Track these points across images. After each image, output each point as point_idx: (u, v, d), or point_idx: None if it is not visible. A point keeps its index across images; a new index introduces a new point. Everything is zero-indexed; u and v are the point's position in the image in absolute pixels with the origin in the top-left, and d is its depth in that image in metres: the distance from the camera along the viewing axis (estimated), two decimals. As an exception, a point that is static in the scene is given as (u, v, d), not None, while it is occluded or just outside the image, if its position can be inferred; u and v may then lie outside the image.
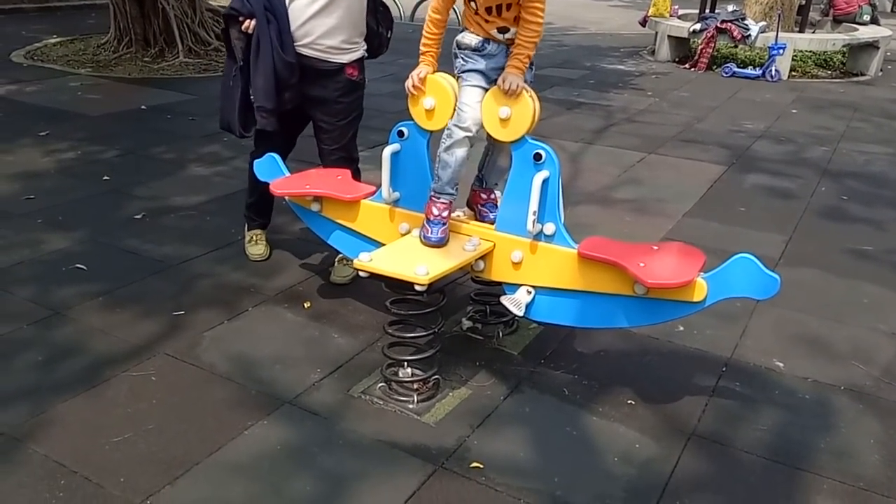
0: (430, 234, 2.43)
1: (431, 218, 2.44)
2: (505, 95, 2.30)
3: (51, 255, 3.36)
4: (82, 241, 3.53)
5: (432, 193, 2.46)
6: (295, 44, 2.94)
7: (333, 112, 3.15)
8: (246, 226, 3.52)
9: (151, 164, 4.71)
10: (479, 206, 2.62)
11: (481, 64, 2.37)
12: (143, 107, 5.93)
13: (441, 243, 2.43)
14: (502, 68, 2.33)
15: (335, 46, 3.02)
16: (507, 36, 2.34)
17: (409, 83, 2.46)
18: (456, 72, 2.45)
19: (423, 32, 2.46)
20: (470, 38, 2.37)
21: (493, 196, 2.61)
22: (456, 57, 2.43)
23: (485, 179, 2.62)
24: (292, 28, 2.92)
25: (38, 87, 6.68)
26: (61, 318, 2.83)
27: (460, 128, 2.38)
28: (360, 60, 3.16)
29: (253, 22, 2.86)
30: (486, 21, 2.32)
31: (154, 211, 3.93)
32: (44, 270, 3.22)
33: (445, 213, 2.45)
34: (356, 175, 3.16)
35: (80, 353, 2.61)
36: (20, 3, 11.73)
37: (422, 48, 2.47)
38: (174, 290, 3.11)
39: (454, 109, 2.42)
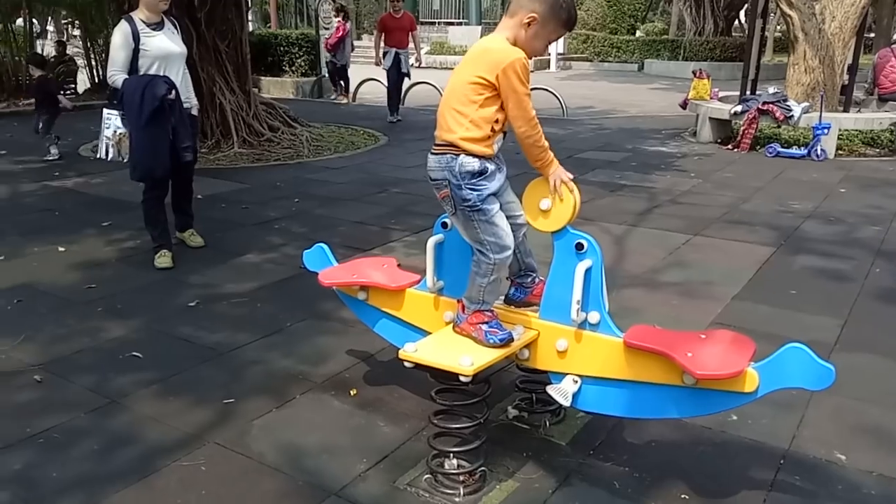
0: (501, 335, 2.38)
1: (489, 320, 2.43)
2: (548, 188, 2.36)
3: (109, 343, 3.48)
4: (139, 329, 3.66)
5: (482, 307, 2.44)
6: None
7: (195, 143, 4.66)
8: (154, 249, 4.57)
9: (206, 252, 4.89)
10: None
11: (494, 185, 2.36)
12: (199, 196, 6.17)
13: (511, 337, 2.41)
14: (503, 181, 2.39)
15: (188, 97, 4.53)
16: (498, 144, 2.37)
17: (564, 179, 2.36)
18: (462, 206, 2.33)
19: (541, 134, 2.34)
20: (473, 163, 2.30)
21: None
22: (460, 189, 2.31)
23: (530, 273, 2.63)
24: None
25: (102, 180, 7.08)
26: (117, 407, 2.91)
27: (504, 257, 2.38)
28: None
29: (174, 91, 4.22)
30: (493, 132, 2.33)
31: (207, 298, 4.06)
32: (102, 358, 3.33)
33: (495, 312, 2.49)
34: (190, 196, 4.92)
35: (133, 442, 2.66)
36: (90, 100, 12.54)
37: (546, 145, 2.36)
38: (225, 377, 3.17)
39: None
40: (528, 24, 2.30)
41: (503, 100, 2.29)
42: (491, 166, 2.36)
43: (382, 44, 10.84)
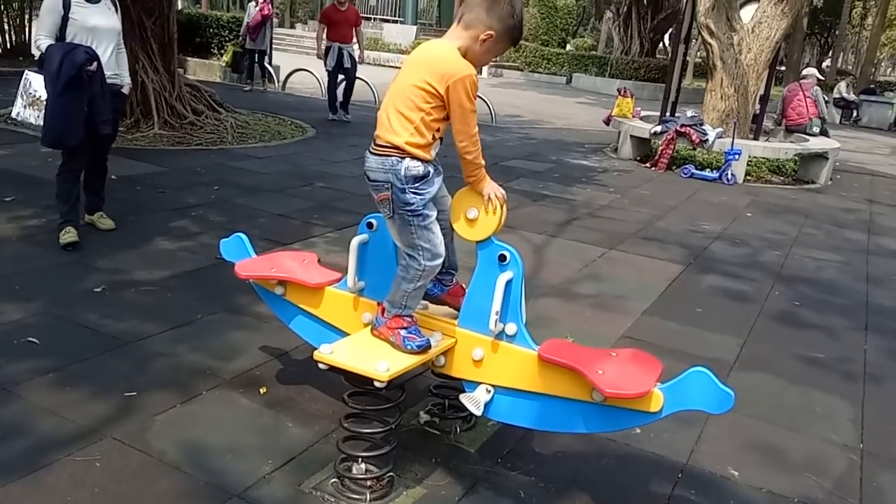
0: (419, 342, 2.37)
1: (408, 326, 2.42)
2: (479, 198, 2.38)
3: (3, 327, 3.27)
4: (37, 313, 3.45)
5: (403, 312, 2.43)
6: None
7: (116, 120, 4.61)
8: (59, 227, 4.40)
9: (117, 235, 4.67)
10: (460, 297, 2.58)
11: (434, 189, 2.36)
12: (113, 177, 5.90)
13: (429, 344, 2.40)
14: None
15: (117, 73, 4.49)
16: (436, 150, 2.38)
17: (499, 195, 2.37)
18: (403, 210, 2.32)
19: (479, 150, 2.35)
20: (418, 167, 2.30)
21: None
22: (404, 192, 2.30)
23: (451, 271, 2.63)
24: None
25: (8, 152, 6.64)
26: (7, 395, 2.73)
27: (434, 265, 2.38)
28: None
29: (96, 63, 4.12)
30: (434, 139, 2.34)
31: (115, 284, 3.88)
32: (-7, 343, 3.13)
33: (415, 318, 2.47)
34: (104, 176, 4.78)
35: (23, 433, 2.51)
36: (0, 66, 11.78)
37: (482, 162, 2.37)
38: (128, 369, 3.03)
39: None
40: (484, 40, 2.29)
41: (448, 112, 2.28)
42: (432, 170, 2.36)
43: (325, 38, 10.14)
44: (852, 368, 3.80)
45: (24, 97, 4.28)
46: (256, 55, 13.17)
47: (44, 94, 4.17)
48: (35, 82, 4.23)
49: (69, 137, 4.21)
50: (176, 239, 4.74)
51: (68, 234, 4.35)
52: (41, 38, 4.20)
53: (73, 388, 2.83)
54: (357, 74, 10.64)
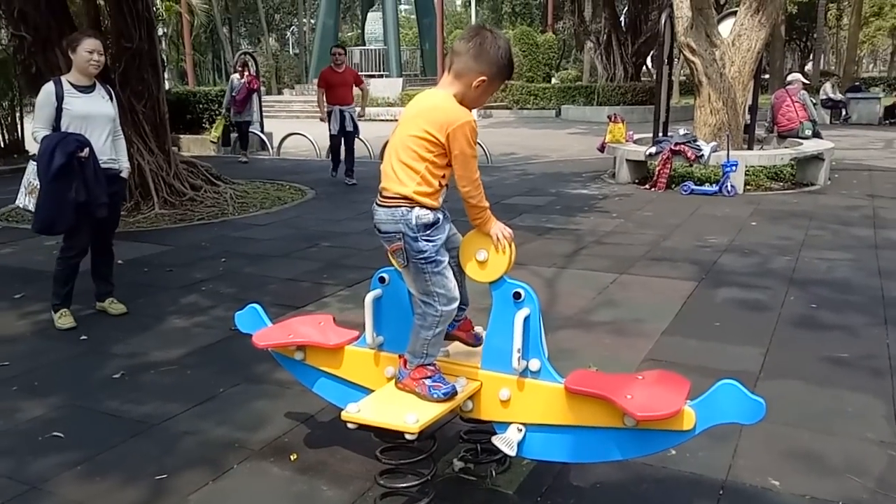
0: (445, 389, 2.38)
1: (432, 374, 2.42)
2: (487, 239, 2.40)
3: (27, 424, 3.27)
4: (59, 406, 3.45)
5: (425, 361, 2.44)
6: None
7: (116, 204, 4.71)
8: (53, 308, 4.52)
9: (130, 319, 4.69)
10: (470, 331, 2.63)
11: (444, 235, 2.40)
12: (119, 261, 5.98)
13: (455, 391, 2.41)
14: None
15: (114, 158, 4.58)
16: (443, 197, 2.42)
17: (506, 234, 2.40)
18: (416, 258, 2.35)
19: (483, 194, 2.39)
20: (427, 215, 2.34)
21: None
22: (416, 241, 2.34)
23: (462, 306, 2.64)
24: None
25: (12, 249, 6.74)
26: (38, 494, 2.72)
27: (450, 310, 2.40)
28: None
29: (87, 149, 4.24)
30: (440, 186, 2.37)
31: (133, 368, 3.89)
32: (19, 441, 3.12)
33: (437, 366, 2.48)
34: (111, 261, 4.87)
35: (58, 529, 2.49)
36: (-5, 166, 12.02)
37: (487, 204, 2.41)
38: (156, 451, 3.02)
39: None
40: (478, 86, 2.34)
41: (450, 159, 2.32)
42: (441, 216, 2.40)
43: (325, 101, 10.09)
44: (878, 364, 3.76)
45: (26, 186, 4.45)
46: (244, 126, 13.34)
47: (37, 182, 4.33)
48: (33, 171, 4.38)
49: (58, 224, 4.37)
50: (188, 316, 4.77)
51: (65, 318, 4.50)
52: (38, 130, 4.36)
53: (103, 478, 2.82)
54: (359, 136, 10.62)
